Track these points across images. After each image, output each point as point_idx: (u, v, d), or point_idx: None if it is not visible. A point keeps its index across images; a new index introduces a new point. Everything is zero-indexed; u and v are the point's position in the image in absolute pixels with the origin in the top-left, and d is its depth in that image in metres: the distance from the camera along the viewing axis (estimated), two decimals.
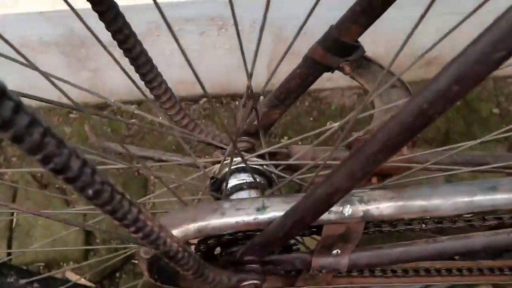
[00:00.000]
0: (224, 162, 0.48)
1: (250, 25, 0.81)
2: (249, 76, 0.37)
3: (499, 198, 0.41)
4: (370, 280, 0.56)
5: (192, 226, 0.40)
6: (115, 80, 0.93)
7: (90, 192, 0.22)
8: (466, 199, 0.41)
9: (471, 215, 0.46)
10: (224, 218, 0.40)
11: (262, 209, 0.41)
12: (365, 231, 0.44)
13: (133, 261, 0.87)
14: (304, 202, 0.35)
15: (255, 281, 0.44)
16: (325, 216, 0.39)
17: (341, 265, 0.46)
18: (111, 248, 0.86)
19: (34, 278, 0.60)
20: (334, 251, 0.44)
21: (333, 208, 0.39)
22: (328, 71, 0.42)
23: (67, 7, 0.33)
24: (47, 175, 0.94)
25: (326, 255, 0.45)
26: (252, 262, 0.44)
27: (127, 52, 0.39)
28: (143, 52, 0.40)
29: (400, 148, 0.27)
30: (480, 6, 0.33)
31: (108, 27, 0.37)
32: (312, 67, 0.41)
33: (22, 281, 0.58)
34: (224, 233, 0.41)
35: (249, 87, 0.39)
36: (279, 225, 0.39)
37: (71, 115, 1.00)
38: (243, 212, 0.40)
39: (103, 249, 0.88)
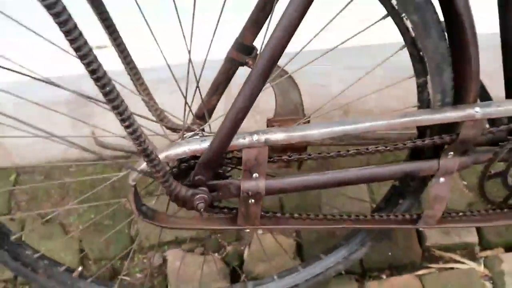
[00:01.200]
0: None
1: None
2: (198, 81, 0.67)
3: (348, 128, 0.68)
4: (290, 221, 0.79)
5: (167, 152, 0.65)
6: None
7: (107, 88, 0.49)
8: (328, 129, 0.68)
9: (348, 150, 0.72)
10: (182, 146, 0.66)
11: (203, 141, 0.66)
12: (270, 159, 0.69)
13: None
14: (220, 130, 0.62)
15: (203, 195, 0.68)
16: (240, 142, 0.65)
17: (260, 188, 0.70)
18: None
19: None
20: (254, 175, 0.69)
21: (247, 137, 0.65)
22: (242, 66, 0.71)
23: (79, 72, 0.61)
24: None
25: (249, 179, 0.69)
26: (201, 182, 0.68)
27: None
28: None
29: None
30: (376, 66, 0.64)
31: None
32: (231, 63, 0.70)
33: None
34: (184, 156, 0.66)
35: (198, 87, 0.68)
36: (211, 147, 0.65)
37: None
38: (194, 143, 0.66)
39: None
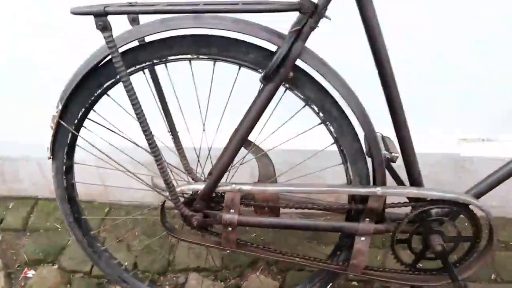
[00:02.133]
0: None
1: None
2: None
3: (290, 188, 1.08)
4: (255, 250, 1.17)
5: (181, 188, 1.12)
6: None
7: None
8: (278, 188, 1.09)
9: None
10: (189, 186, 1.12)
11: (201, 184, 1.12)
12: (243, 201, 1.11)
13: None
14: (211, 179, 1.08)
15: (198, 217, 1.12)
16: (224, 188, 1.09)
17: (234, 220, 1.11)
18: None
19: None
20: (231, 210, 1.11)
21: (228, 186, 1.10)
22: None
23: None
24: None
25: (228, 213, 1.11)
26: (199, 209, 1.12)
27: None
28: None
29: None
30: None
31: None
32: None
33: None
34: (191, 192, 1.12)
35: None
36: (205, 188, 1.10)
37: None
38: (196, 184, 1.12)
39: None
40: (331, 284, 1.27)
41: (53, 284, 1.53)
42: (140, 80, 1.06)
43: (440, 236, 1.12)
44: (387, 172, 1.07)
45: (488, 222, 1.08)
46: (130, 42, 0.95)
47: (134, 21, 0.99)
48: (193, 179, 1.23)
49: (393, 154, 1.09)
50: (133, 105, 0.95)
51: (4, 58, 1.57)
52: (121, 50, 0.93)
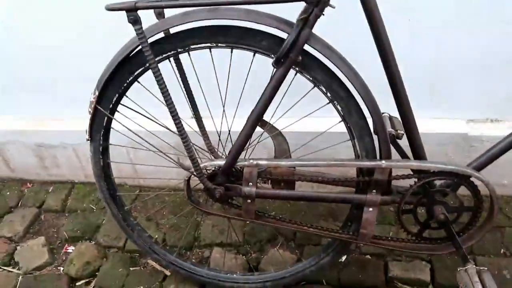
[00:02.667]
0: None
1: None
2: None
3: (302, 163, 1.19)
4: (273, 221, 1.29)
5: (204, 164, 1.25)
6: None
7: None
8: (289, 162, 1.20)
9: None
10: (212, 162, 1.24)
11: (222, 160, 1.24)
12: (261, 176, 1.23)
13: None
14: (230, 153, 1.20)
15: (220, 190, 1.24)
16: (242, 163, 1.21)
17: (252, 192, 1.23)
18: None
19: None
20: (250, 183, 1.23)
21: (246, 161, 1.21)
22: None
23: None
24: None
25: (246, 186, 1.23)
26: (220, 182, 1.24)
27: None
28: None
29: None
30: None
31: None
32: None
33: None
34: (214, 167, 1.24)
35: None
36: (225, 163, 1.22)
37: None
38: (218, 160, 1.24)
39: None
40: (345, 256, 1.38)
41: (91, 258, 1.68)
42: (167, 69, 1.19)
43: (443, 207, 1.21)
44: (393, 148, 1.17)
45: (489, 194, 1.16)
46: (157, 33, 1.08)
47: (160, 15, 1.12)
48: (215, 158, 1.36)
49: (398, 131, 1.18)
50: (161, 90, 1.08)
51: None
52: (149, 41, 1.06)
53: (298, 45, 1.03)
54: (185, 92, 1.31)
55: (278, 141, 1.29)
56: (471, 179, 1.17)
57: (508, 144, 1.17)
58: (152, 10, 1.08)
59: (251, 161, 1.21)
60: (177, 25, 1.07)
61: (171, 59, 1.18)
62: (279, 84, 1.09)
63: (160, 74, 1.06)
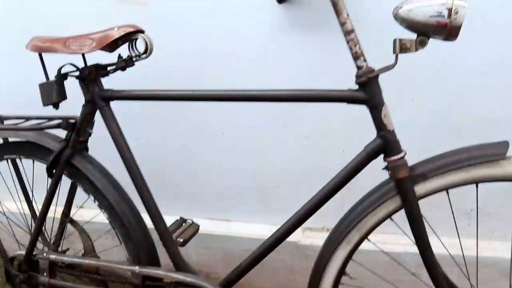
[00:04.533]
0: None
1: None
2: None
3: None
4: None
5: None
6: None
7: None
8: (71, 259, 1.39)
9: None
10: None
11: None
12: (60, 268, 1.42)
13: None
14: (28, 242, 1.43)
15: (21, 277, 1.44)
16: (40, 256, 1.42)
17: (46, 282, 1.42)
18: None
19: None
20: (44, 274, 1.42)
21: (41, 254, 1.42)
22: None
23: None
24: None
25: (42, 276, 1.43)
26: (24, 271, 1.45)
27: None
28: None
29: None
30: None
31: None
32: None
33: None
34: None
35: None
36: (25, 251, 1.44)
37: None
38: (19, 251, 1.47)
39: None
40: None
41: None
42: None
43: None
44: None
45: None
46: None
47: None
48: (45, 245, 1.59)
49: (178, 239, 1.35)
50: None
51: None
52: None
53: (62, 162, 1.29)
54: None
55: (83, 237, 1.51)
56: None
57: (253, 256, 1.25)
58: None
59: (45, 254, 1.42)
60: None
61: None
62: (55, 187, 1.33)
63: None
